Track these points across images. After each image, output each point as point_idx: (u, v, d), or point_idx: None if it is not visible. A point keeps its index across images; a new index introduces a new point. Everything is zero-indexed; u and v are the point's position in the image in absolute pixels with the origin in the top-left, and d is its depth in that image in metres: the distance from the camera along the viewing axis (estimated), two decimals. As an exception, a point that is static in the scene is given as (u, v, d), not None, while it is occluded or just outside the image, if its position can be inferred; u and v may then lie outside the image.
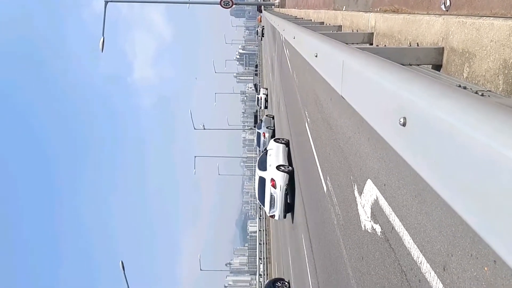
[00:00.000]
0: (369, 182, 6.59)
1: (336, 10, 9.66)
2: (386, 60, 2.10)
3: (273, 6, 34.46)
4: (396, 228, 5.16)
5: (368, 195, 6.61)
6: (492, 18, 3.11)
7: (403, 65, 3.98)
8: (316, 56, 3.89)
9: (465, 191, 1.21)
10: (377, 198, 6.19)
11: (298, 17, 16.28)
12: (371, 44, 6.21)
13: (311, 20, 12.87)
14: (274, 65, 34.51)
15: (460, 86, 2.81)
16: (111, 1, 27.40)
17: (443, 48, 3.84)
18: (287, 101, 23.06)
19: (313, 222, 12.07)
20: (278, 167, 14.53)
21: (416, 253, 4.48)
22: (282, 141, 17.15)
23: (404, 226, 4.91)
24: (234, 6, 30.59)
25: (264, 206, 14.89)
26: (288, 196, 13.97)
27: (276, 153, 15.79)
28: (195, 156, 61.92)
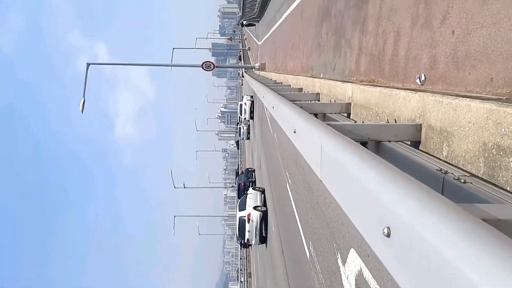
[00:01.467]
0: (352, 252, 6.40)
1: (314, 77, 9.91)
2: (371, 153, 2.02)
3: (253, 69, 35.47)
4: (382, 304, 4.92)
5: (352, 265, 6.39)
6: (468, 99, 3.14)
7: (382, 141, 3.96)
8: (295, 132, 3.85)
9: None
10: (361, 269, 5.98)
11: (277, 81, 16.69)
12: (349, 114, 6.28)
13: (290, 85, 13.15)
14: (255, 121, 34.80)
15: (441, 170, 2.75)
16: (93, 64, 27.77)
17: (420, 125, 3.86)
18: (268, 160, 23.03)
19: (297, 290, 11.61)
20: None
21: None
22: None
23: (390, 303, 4.69)
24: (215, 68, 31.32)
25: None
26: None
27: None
28: (174, 216, 60.58)
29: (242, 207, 20.04)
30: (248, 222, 18.37)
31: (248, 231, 18.19)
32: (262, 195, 21.09)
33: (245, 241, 19.54)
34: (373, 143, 3.93)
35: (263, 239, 19.19)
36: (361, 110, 5.73)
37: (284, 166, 15.41)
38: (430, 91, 4.15)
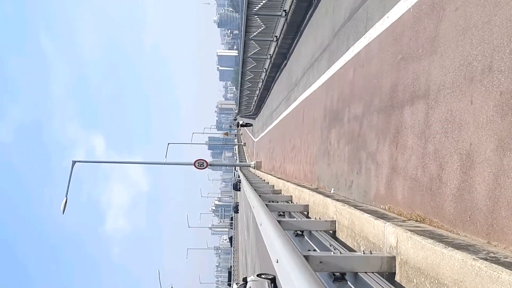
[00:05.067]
0: None
1: (324, 195, 7.90)
2: None
3: (249, 167, 33.87)
4: None
5: None
6: None
7: None
8: None
9: None
10: None
11: (276, 188, 14.70)
12: (394, 273, 4.14)
13: (291, 197, 11.13)
14: (250, 224, 32.32)
15: None
16: (79, 162, 26.03)
17: None
18: (262, 266, 20.27)
19: None
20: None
21: None
22: None
23: None
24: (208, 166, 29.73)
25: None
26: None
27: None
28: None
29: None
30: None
31: None
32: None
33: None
34: None
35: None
36: (419, 277, 3.63)
37: None
38: None
